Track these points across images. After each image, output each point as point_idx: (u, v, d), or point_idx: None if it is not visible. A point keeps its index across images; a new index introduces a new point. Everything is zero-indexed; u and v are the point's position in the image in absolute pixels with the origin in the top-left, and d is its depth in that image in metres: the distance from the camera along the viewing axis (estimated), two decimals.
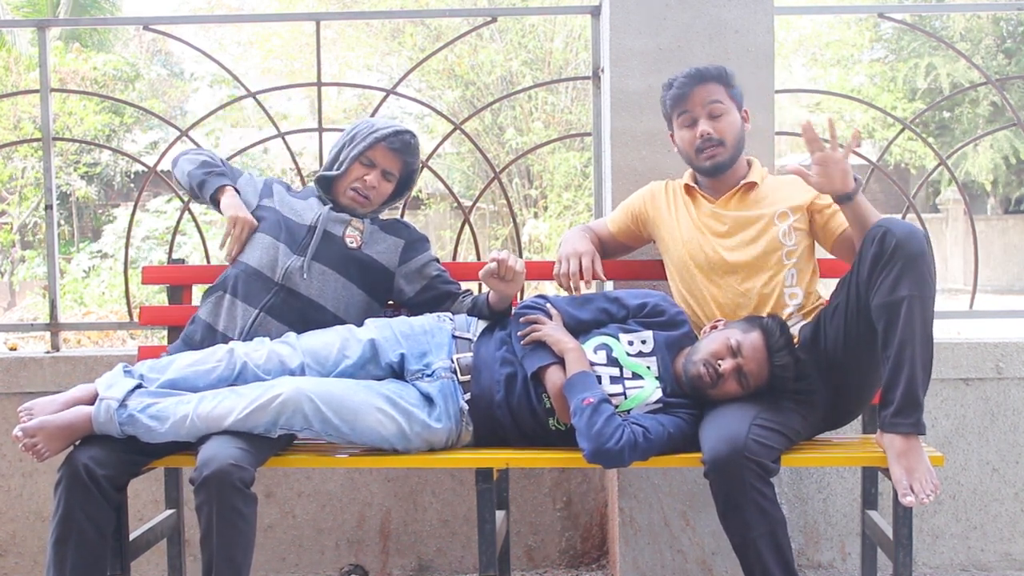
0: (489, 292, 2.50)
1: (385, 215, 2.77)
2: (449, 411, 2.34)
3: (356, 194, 2.59)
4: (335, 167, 2.61)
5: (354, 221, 2.61)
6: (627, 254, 2.82)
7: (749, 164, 2.65)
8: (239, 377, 2.29)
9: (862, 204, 2.30)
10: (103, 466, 2.16)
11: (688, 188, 2.65)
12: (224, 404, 2.19)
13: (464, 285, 2.72)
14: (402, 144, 2.60)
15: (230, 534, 2.08)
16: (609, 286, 2.96)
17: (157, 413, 2.18)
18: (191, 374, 2.28)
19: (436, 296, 2.63)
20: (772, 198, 2.58)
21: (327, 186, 2.63)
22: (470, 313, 2.56)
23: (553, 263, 2.65)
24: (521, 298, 2.76)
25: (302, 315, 2.48)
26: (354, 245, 2.58)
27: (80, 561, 2.14)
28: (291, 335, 2.41)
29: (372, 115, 3.45)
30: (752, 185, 2.58)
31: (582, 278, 2.57)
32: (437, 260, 2.68)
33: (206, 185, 2.62)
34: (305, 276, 2.50)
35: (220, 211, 2.60)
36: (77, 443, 2.20)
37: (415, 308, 2.63)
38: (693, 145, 2.55)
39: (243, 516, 2.10)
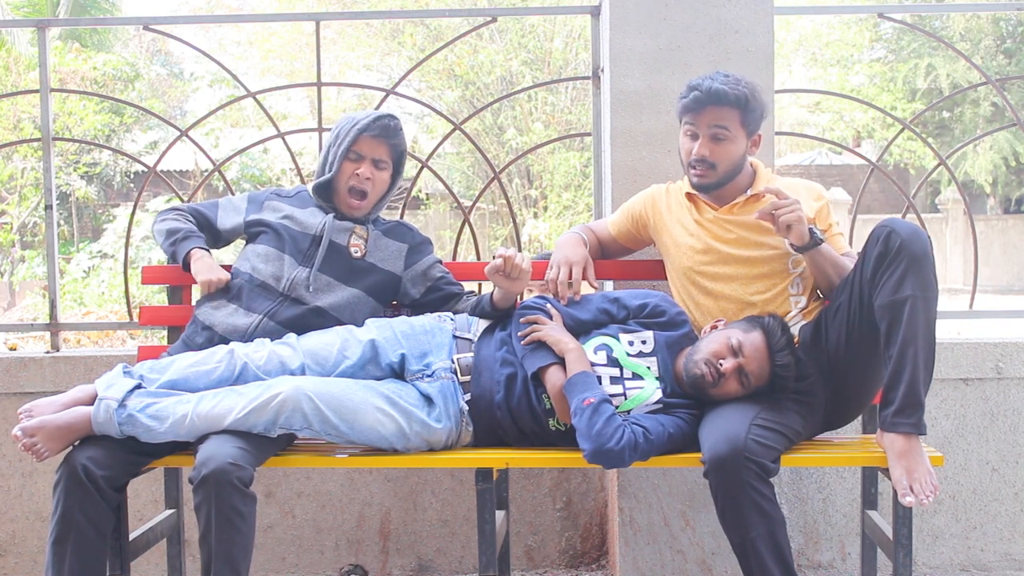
0: (493, 290, 2.50)
1: (386, 215, 2.76)
2: (449, 411, 2.34)
3: (354, 194, 2.57)
4: (326, 170, 2.59)
5: (357, 229, 2.59)
6: (627, 255, 2.82)
7: (754, 170, 2.62)
8: (239, 378, 2.29)
9: (821, 254, 2.37)
10: (101, 467, 2.16)
11: (690, 195, 2.61)
12: (224, 403, 2.19)
13: (464, 285, 2.72)
14: (382, 129, 2.56)
15: (229, 533, 2.08)
16: (609, 286, 2.96)
17: (156, 413, 2.18)
18: (191, 375, 2.28)
19: (440, 297, 2.63)
20: None
21: (325, 193, 2.61)
22: (472, 312, 2.56)
23: None
24: (522, 298, 2.76)
25: (306, 321, 2.47)
26: (358, 254, 2.56)
27: (79, 561, 2.14)
28: (291, 336, 2.41)
29: None
30: (758, 197, 2.55)
31: (571, 289, 2.54)
32: (440, 262, 2.69)
33: (176, 256, 2.58)
34: (311, 288, 2.50)
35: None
36: (76, 443, 2.20)
37: (419, 308, 2.63)
38: (688, 158, 2.54)
39: (242, 515, 2.09)
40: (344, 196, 2.58)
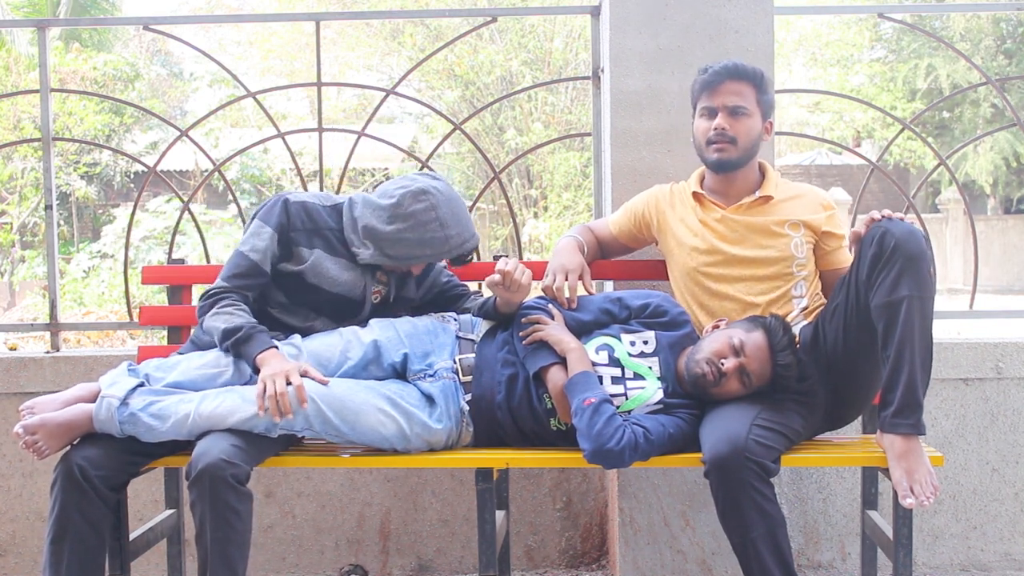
0: (496, 297, 2.50)
1: None
2: (449, 411, 2.34)
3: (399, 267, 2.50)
4: (378, 249, 2.39)
5: (379, 275, 2.52)
6: (627, 254, 2.82)
7: (763, 172, 2.60)
8: (246, 382, 2.27)
9: None
10: (98, 467, 2.15)
11: (696, 194, 2.60)
12: (226, 404, 2.19)
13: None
14: (453, 262, 2.49)
15: (224, 531, 2.07)
16: (609, 286, 2.96)
17: (159, 412, 2.18)
18: (198, 377, 2.28)
19: (449, 297, 2.64)
20: (786, 208, 2.54)
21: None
22: (477, 314, 2.56)
23: None
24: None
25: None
26: (378, 300, 2.54)
27: (76, 561, 2.14)
28: (296, 337, 2.40)
29: (371, 116, 3.45)
30: (767, 199, 2.54)
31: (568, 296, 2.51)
32: (445, 266, 2.69)
33: (240, 356, 2.29)
34: None
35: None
36: (75, 442, 2.20)
37: (425, 307, 2.63)
38: (706, 136, 2.51)
39: (237, 513, 2.09)
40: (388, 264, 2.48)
